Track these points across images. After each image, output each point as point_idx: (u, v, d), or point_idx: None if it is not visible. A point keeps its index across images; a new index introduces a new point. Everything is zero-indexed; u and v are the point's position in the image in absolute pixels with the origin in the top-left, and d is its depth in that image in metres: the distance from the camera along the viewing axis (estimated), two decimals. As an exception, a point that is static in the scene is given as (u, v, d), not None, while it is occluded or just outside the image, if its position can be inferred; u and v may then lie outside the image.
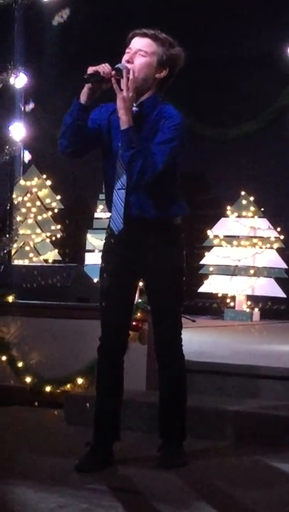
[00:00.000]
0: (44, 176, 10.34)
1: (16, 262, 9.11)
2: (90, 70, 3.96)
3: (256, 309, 9.54)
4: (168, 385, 4.24)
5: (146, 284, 4.25)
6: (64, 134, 4.09)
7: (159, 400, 4.29)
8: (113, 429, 4.21)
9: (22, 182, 9.90)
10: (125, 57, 4.08)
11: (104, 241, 4.27)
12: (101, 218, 10.55)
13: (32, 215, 10.26)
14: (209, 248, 9.73)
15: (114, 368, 4.22)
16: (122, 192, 4.09)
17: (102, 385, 4.23)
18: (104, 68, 3.96)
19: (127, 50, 4.10)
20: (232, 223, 9.64)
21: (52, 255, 10.29)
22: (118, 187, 4.10)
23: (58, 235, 10.42)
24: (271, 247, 9.58)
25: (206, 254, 9.69)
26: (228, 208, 9.67)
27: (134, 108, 4.05)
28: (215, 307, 9.96)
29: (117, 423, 4.23)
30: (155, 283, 4.18)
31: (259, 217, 9.59)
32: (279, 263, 9.73)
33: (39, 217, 10.31)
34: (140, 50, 4.06)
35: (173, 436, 4.26)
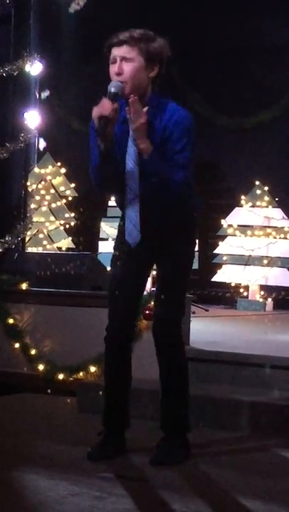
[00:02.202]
0: (58, 164, 10.32)
1: (30, 250, 9.12)
2: (95, 116, 3.84)
3: (269, 299, 9.49)
4: (167, 372, 4.16)
5: (158, 270, 4.22)
6: (96, 177, 4.05)
7: (161, 389, 4.21)
8: (122, 417, 4.20)
9: (36, 170, 9.90)
10: (114, 70, 3.94)
11: (117, 231, 4.25)
12: (115, 207, 10.49)
13: (46, 203, 10.25)
14: (223, 237, 9.68)
15: (122, 357, 4.19)
16: (136, 201, 4.01)
17: (109, 374, 4.23)
18: (107, 110, 3.81)
19: (112, 61, 3.96)
20: (246, 213, 9.60)
21: (65, 243, 10.28)
22: (131, 197, 4.02)
23: (72, 223, 10.41)
24: (285, 237, 9.53)
25: (220, 243, 9.65)
26: (242, 197, 9.62)
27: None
28: (228, 297, 9.92)
29: (126, 411, 4.21)
30: (166, 270, 4.14)
31: (273, 207, 9.53)
32: (293, 253, 9.68)
33: (53, 205, 10.30)
34: (124, 58, 3.92)
35: (174, 427, 4.17)
